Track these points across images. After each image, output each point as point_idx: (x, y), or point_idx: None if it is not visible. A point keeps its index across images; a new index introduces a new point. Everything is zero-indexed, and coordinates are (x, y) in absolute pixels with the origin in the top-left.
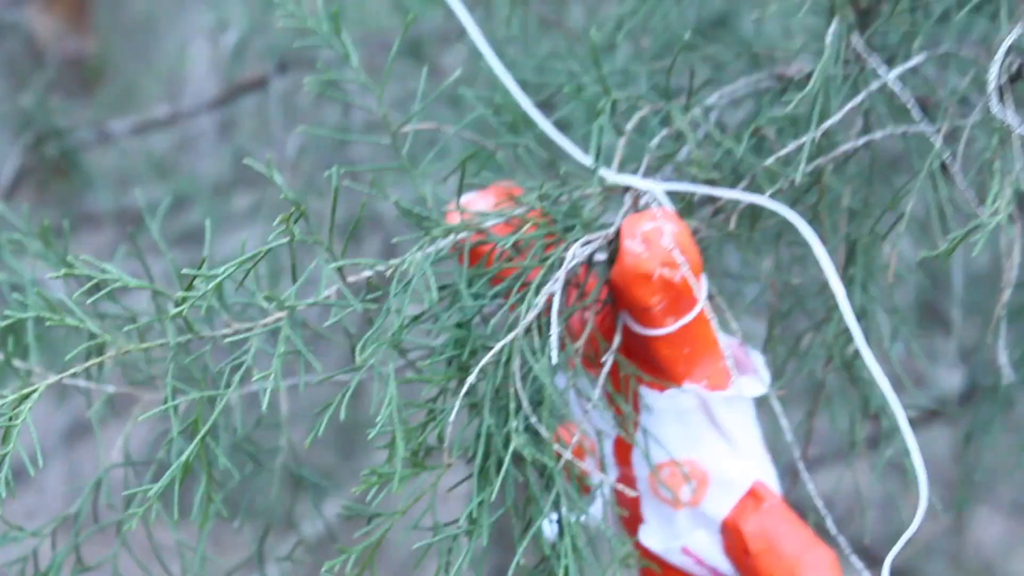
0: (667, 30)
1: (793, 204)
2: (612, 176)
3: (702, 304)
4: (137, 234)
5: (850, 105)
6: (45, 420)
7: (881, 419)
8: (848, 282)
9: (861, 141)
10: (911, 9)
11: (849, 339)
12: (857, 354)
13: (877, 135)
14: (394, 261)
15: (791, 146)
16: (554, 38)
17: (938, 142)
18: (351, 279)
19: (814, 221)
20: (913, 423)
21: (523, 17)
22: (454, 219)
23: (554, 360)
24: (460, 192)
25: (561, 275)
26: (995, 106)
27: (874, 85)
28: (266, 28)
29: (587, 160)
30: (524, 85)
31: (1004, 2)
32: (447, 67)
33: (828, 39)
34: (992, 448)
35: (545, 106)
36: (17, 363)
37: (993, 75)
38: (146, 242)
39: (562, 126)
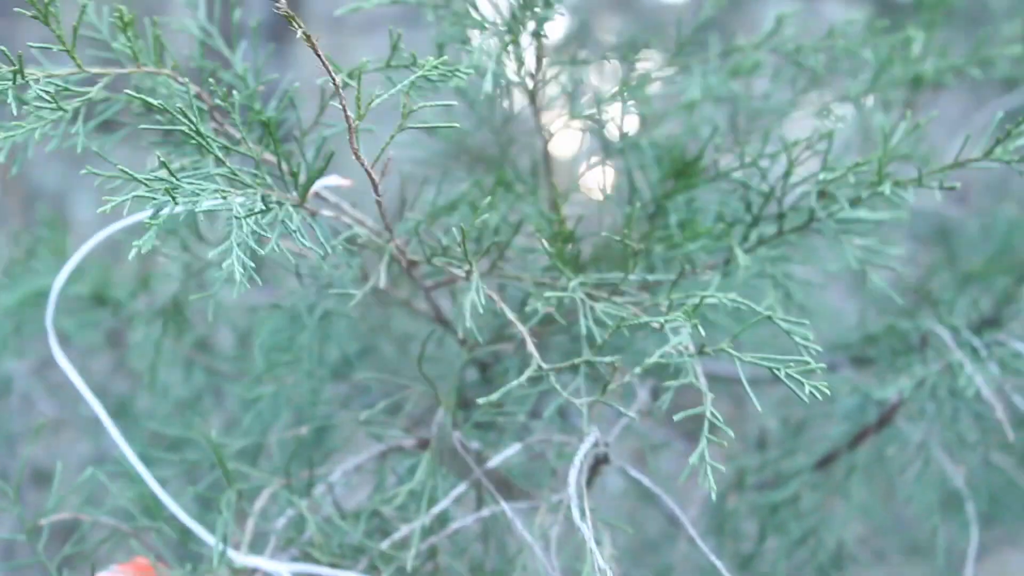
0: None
1: (414, 573)
2: (240, 558)
3: None
4: None
5: (455, 492)
6: None
7: None
8: None
9: (471, 518)
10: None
11: None
12: None
13: (485, 513)
14: None
15: (404, 529)
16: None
17: (540, 518)
18: None
19: None
20: None
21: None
22: None
23: None
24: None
25: None
26: (575, 511)
27: (475, 474)
28: None
29: (217, 544)
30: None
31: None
32: None
33: (434, 429)
34: None
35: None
36: None
37: (573, 478)
38: None
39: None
